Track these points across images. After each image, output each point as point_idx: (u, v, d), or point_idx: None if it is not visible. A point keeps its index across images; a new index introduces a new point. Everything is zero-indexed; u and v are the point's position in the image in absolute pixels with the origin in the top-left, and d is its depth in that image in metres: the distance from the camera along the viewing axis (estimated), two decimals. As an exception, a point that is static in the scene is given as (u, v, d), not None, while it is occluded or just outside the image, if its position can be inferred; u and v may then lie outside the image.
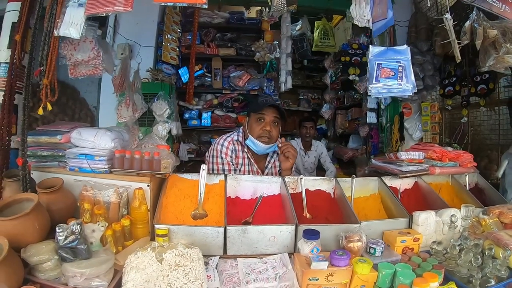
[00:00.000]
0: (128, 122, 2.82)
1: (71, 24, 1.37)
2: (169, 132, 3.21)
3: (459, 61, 1.47)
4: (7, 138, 1.60)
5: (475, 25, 1.59)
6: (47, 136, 1.50)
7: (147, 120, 3.22)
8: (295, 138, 3.84)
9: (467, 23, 1.61)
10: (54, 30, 1.38)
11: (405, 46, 1.37)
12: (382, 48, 1.36)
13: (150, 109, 3.14)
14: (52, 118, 3.46)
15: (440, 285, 1.16)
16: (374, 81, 1.26)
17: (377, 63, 1.27)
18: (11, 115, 1.62)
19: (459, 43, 1.49)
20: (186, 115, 3.94)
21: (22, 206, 1.19)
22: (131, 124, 2.80)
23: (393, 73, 1.26)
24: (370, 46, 1.36)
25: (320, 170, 3.86)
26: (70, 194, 1.40)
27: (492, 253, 1.27)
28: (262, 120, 1.77)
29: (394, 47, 1.37)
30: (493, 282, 1.19)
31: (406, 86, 1.27)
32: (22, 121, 1.41)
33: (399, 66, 1.28)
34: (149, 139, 2.89)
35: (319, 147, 3.78)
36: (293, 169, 1.86)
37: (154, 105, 3.09)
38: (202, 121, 3.97)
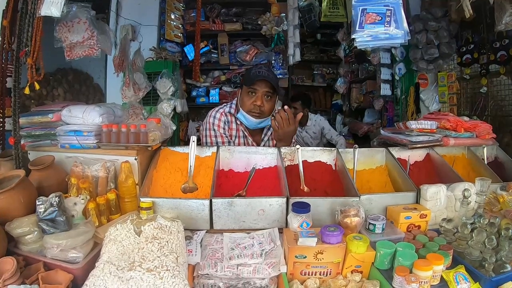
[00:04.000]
0: (132, 102, 2.81)
1: (52, 3, 1.35)
2: (174, 109, 3.18)
3: (469, 16, 1.27)
4: (1, 120, 1.63)
5: (487, -25, 1.36)
6: (40, 116, 1.51)
7: (151, 98, 3.20)
8: None
9: (478, -26, 1.39)
10: (37, 11, 1.35)
11: (394, -14, 1.18)
12: None
13: (154, 87, 3.11)
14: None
15: (448, 268, 1.03)
16: (357, 29, 1.10)
17: (361, 9, 1.10)
18: (4, 98, 1.65)
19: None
20: (194, 93, 3.87)
21: (12, 183, 1.20)
22: (135, 104, 2.78)
23: (380, 18, 1.09)
24: (353, -10, 1.19)
25: (331, 146, 3.71)
26: (62, 171, 1.40)
27: (510, 234, 1.12)
28: (253, 94, 1.67)
29: (382, -11, 1.18)
30: (509, 268, 1.03)
31: (395, 32, 1.10)
32: (13, 101, 1.41)
33: (387, 10, 1.10)
34: (154, 117, 2.88)
35: (317, 121, 3.52)
36: (293, 141, 1.74)
37: (158, 83, 3.05)
38: (210, 98, 3.88)
